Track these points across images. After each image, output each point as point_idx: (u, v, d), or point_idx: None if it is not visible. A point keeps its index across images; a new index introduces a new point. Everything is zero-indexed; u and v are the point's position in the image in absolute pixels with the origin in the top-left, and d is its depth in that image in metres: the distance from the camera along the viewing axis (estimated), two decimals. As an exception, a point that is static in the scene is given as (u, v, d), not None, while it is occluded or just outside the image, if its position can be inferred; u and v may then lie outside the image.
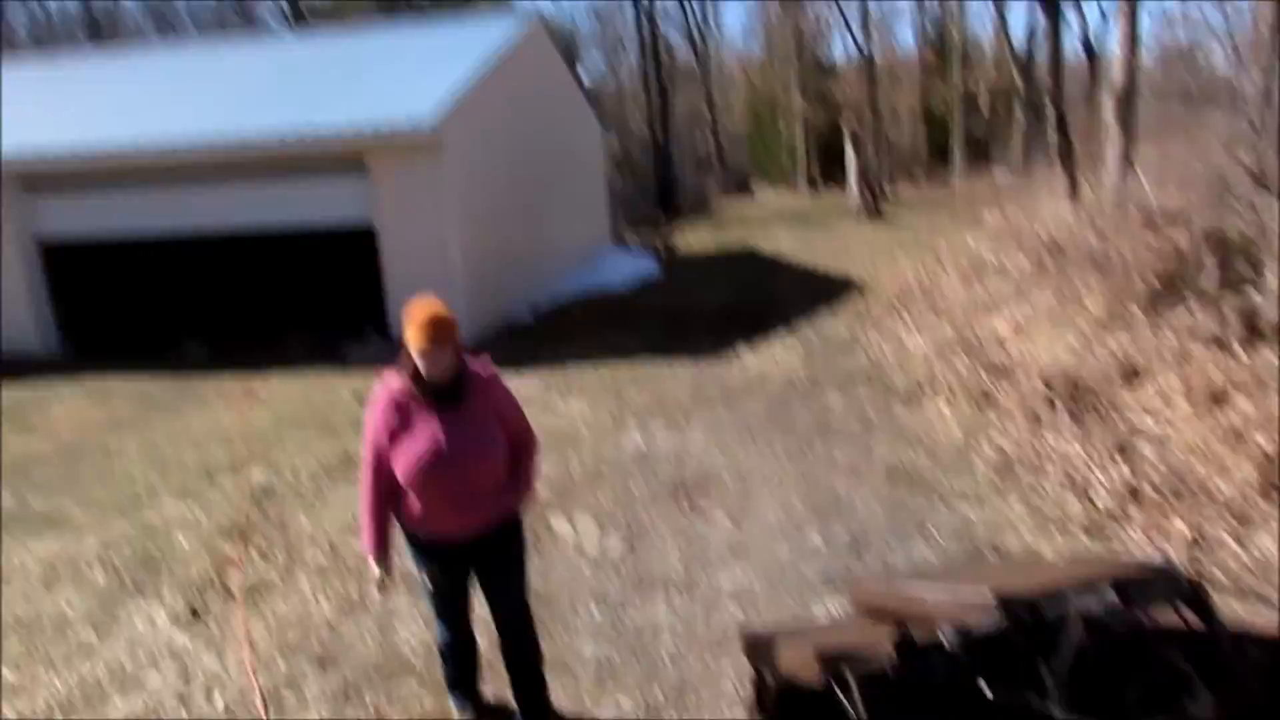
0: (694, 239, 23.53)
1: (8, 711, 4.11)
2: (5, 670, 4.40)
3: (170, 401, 9.70)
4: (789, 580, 4.75)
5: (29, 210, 12.53)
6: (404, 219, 11.36)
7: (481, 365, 3.31)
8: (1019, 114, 31.23)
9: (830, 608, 4.41)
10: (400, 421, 3.18)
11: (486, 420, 3.20)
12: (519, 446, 3.34)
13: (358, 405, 8.85)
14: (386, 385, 3.24)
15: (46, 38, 36.82)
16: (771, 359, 9.60)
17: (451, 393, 3.16)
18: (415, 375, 3.14)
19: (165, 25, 41.72)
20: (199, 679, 4.22)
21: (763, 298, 13.56)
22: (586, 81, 46.63)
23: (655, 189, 32.91)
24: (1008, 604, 2.26)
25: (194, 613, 4.84)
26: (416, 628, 4.51)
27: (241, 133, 11.35)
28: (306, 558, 5.45)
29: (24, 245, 12.51)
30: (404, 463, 3.15)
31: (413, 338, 3.08)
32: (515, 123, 14.25)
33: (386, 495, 3.28)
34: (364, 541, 3.36)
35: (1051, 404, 6.73)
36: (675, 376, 9.17)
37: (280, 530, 5.89)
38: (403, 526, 3.34)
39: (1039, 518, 5.29)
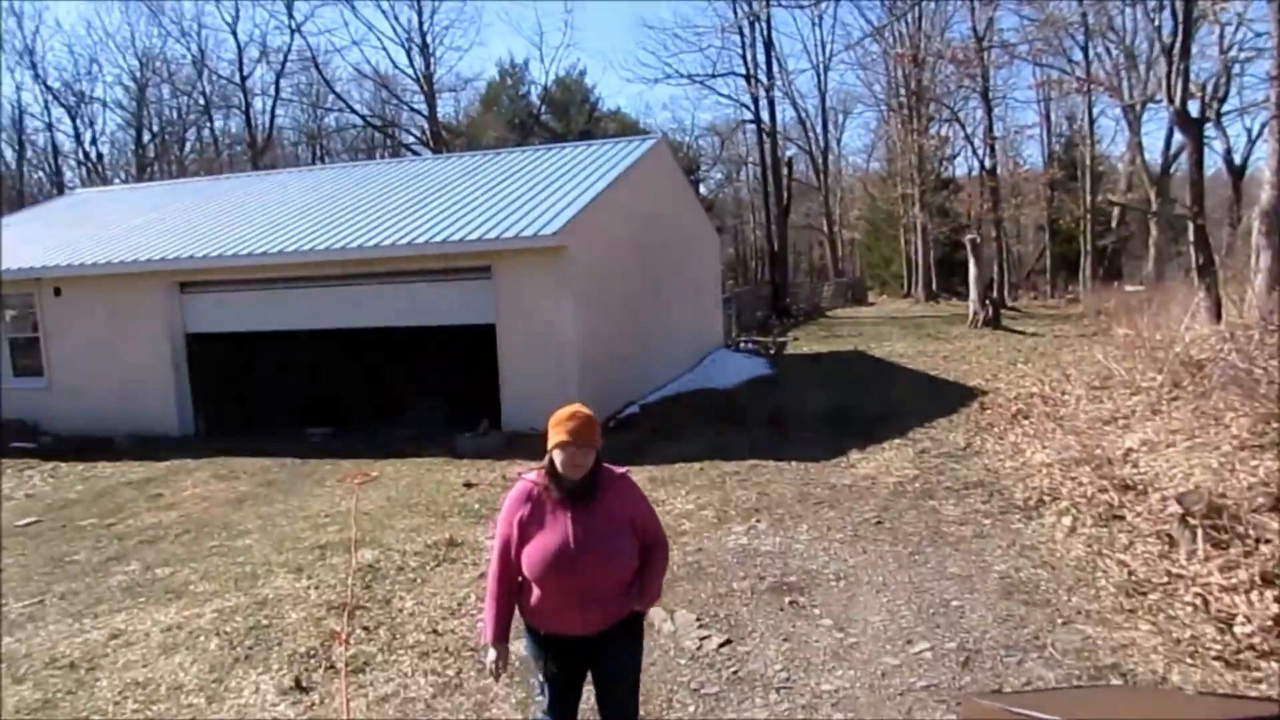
0: (806, 343, 23.44)
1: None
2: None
3: (290, 482, 10.10)
4: (893, 689, 4.54)
5: (179, 307, 13.52)
6: (522, 319, 11.75)
7: (617, 470, 3.37)
8: (1152, 229, 30.37)
9: (937, 722, 4.18)
10: (532, 516, 3.25)
11: (617, 522, 3.24)
12: (648, 550, 3.34)
13: (467, 493, 9.04)
14: (523, 480, 3.33)
15: (213, 160, 40.35)
16: (882, 463, 9.36)
17: (585, 492, 3.22)
18: (552, 472, 3.23)
19: (319, 147, 45.27)
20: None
21: (874, 402, 13.32)
22: (706, 192, 47.98)
23: (770, 294, 33.10)
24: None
25: (299, 684, 4.94)
26: (508, 708, 4.48)
27: (370, 244, 12.09)
28: (408, 637, 5.51)
29: (173, 337, 13.46)
30: (532, 557, 3.20)
31: (554, 434, 3.20)
32: (634, 231, 14.69)
33: (511, 586, 3.33)
34: (485, 627, 3.39)
35: (1187, 525, 6.32)
36: (782, 476, 9.04)
37: (384, 609, 5.99)
38: (524, 618, 3.36)
39: (1170, 644, 4.92)
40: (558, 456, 3.19)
